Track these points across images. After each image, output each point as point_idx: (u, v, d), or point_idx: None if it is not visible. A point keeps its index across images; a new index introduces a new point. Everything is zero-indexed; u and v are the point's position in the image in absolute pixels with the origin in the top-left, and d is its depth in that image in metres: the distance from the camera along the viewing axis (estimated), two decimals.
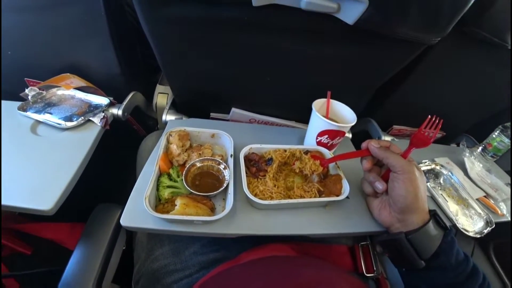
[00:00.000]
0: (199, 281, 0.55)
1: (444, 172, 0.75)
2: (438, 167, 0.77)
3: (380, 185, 0.54)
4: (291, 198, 0.54)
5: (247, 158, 0.58)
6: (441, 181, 0.74)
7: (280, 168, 0.58)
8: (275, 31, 0.55)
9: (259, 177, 0.55)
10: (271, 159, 0.57)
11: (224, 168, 0.55)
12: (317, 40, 0.57)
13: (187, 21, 0.52)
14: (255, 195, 0.51)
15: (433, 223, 0.49)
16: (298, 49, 0.59)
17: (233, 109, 0.74)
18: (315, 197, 0.55)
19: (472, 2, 0.47)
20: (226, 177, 0.53)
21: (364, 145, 0.55)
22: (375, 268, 0.64)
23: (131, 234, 0.67)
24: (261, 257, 0.56)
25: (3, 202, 0.51)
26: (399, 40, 0.54)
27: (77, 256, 0.52)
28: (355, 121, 0.63)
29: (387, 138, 0.86)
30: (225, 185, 0.52)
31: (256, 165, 0.56)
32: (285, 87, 0.70)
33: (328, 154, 0.63)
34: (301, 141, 0.71)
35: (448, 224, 0.51)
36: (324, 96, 0.67)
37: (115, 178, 0.98)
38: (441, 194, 0.69)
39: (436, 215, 0.50)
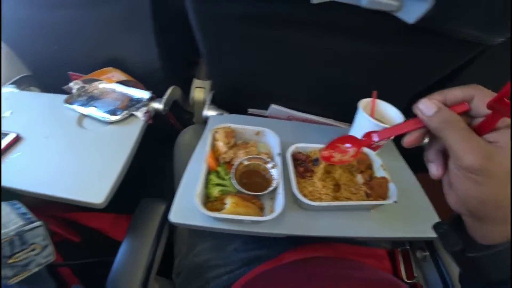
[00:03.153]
0: (241, 278, 0.56)
1: None
2: None
3: (433, 169, 0.33)
4: (338, 200, 0.53)
5: (293, 158, 0.57)
6: None
7: (325, 168, 0.58)
8: (327, 28, 0.53)
9: (307, 177, 0.55)
10: (317, 159, 0.56)
11: (272, 167, 0.54)
12: (369, 38, 0.55)
13: (239, 18, 0.52)
14: (304, 196, 0.51)
15: None
16: (348, 48, 0.57)
17: (272, 106, 0.73)
18: (362, 199, 0.54)
19: None
20: (274, 176, 0.53)
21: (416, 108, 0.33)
22: (415, 274, 0.62)
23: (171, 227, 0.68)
24: (304, 258, 0.56)
25: (57, 194, 0.53)
26: (458, 40, 0.52)
27: (126, 248, 0.54)
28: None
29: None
30: (274, 184, 0.51)
31: (303, 164, 0.56)
32: (328, 85, 0.68)
33: (372, 155, 0.61)
34: None
35: None
36: (366, 95, 0.65)
37: (151, 171, 1.00)
38: None
39: None
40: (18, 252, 0.38)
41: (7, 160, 0.59)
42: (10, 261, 0.37)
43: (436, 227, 0.36)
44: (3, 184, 0.55)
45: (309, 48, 0.59)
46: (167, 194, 0.75)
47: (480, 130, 0.30)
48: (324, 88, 0.70)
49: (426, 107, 0.31)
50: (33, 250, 0.40)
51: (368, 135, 0.38)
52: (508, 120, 0.29)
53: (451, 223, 0.35)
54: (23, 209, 0.43)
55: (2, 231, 0.38)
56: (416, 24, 0.47)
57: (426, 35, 0.51)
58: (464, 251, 0.32)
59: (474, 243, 0.32)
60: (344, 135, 0.43)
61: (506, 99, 0.27)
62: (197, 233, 0.63)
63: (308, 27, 0.54)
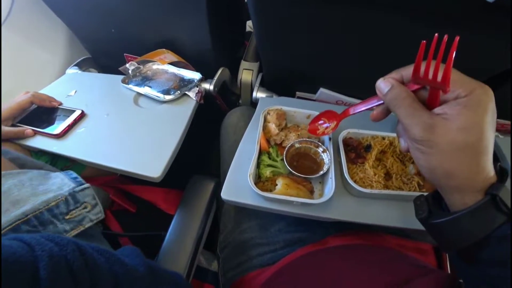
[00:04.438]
0: (285, 257, 0.57)
1: None
2: None
3: (402, 142, 0.36)
4: (389, 189, 0.52)
5: (344, 143, 0.56)
6: None
7: (376, 156, 0.56)
8: (394, 10, 0.50)
9: (358, 163, 0.54)
10: (369, 146, 0.55)
11: (323, 152, 0.54)
12: (441, 22, 0.51)
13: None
14: (355, 182, 0.50)
15: (488, 208, 0.29)
16: (415, 33, 0.53)
17: (321, 89, 0.72)
18: (414, 190, 0.52)
19: None
20: (325, 160, 0.53)
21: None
22: None
23: (218, 204, 0.71)
24: (349, 244, 0.56)
25: (119, 167, 0.57)
26: None
27: (178, 222, 0.57)
28: None
29: None
30: (325, 168, 0.51)
31: (354, 150, 0.55)
32: (385, 70, 0.65)
33: None
34: (393, 127, 0.67)
35: None
36: None
37: (197, 149, 1.04)
38: None
39: (497, 199, 0.29)
40: (73, 210, 0.43)
41: (74, 134, 0.65)
42: (67, 217, 0.42)
43: (415, 199, 0.38)
44: (72, 155, 0.60)
45: (369, 31, 0.56)
46: (214, 171, 0.78)
47: (431, 103, 0.31)
48: (382, 74, 0.67)
49: (382, 85, 0.34)
50: (85, 208, 0.44)
51: (346, 110, 0.43)
52: (457, 92, 0.29)
53: (431, 196, 0.36)
54: (75, 175, 0.48)
55: (58, 192, 0.43)
56: (496, 3, 0.43)
57: (503, 17, 0.46)
58: (428, 218, 0.34)
59: (438, 212, 0.34)
60: (327, 110, 0.49)
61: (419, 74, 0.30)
62: (243, 212, 0.65)
63: (373, 9, 0.52)
